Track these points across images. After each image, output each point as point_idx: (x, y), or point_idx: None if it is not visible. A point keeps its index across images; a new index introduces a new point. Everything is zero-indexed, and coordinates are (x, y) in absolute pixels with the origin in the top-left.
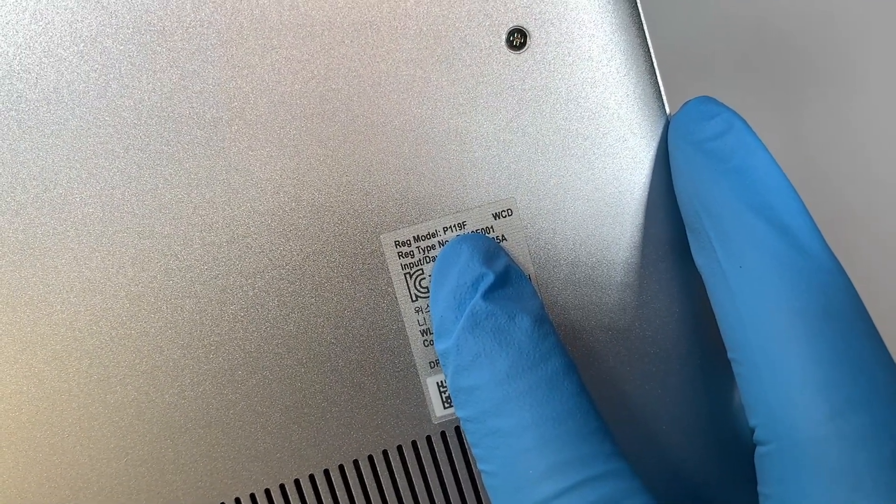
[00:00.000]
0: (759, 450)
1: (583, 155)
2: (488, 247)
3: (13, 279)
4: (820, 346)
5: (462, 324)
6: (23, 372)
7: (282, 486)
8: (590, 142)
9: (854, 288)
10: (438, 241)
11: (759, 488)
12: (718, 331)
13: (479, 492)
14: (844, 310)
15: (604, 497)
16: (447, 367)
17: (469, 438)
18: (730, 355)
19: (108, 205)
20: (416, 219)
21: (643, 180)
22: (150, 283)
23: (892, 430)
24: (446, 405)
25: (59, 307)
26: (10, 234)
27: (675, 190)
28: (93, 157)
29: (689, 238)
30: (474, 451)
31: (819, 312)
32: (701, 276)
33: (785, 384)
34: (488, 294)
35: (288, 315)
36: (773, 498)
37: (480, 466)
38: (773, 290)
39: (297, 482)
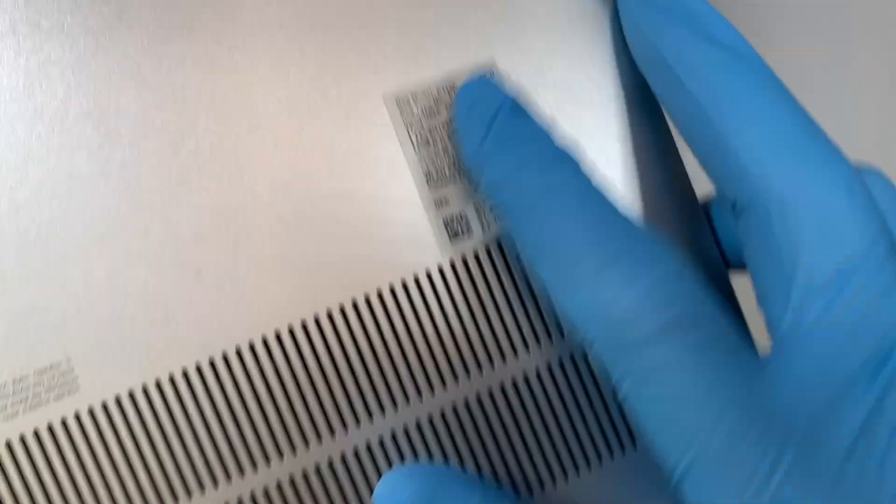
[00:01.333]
0: (741, 220)
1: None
2: (495, 81)
3: None
4: (784, 110)
5: (489, 144)
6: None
7: (303, 322)
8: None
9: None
10: (434, 99)
11: (745, 254)
12: None
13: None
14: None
15: None
16: (481, 182)
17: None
18: (703, 162)
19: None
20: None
21: (607, 33)
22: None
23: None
24: (452, 240)
25: None
26: None
27: (632, 51)
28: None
29: (654, 86)
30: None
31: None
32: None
33: (757, 146)
34: (510, 117)
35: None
36: (757, 250)
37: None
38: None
39: (316, 318)
